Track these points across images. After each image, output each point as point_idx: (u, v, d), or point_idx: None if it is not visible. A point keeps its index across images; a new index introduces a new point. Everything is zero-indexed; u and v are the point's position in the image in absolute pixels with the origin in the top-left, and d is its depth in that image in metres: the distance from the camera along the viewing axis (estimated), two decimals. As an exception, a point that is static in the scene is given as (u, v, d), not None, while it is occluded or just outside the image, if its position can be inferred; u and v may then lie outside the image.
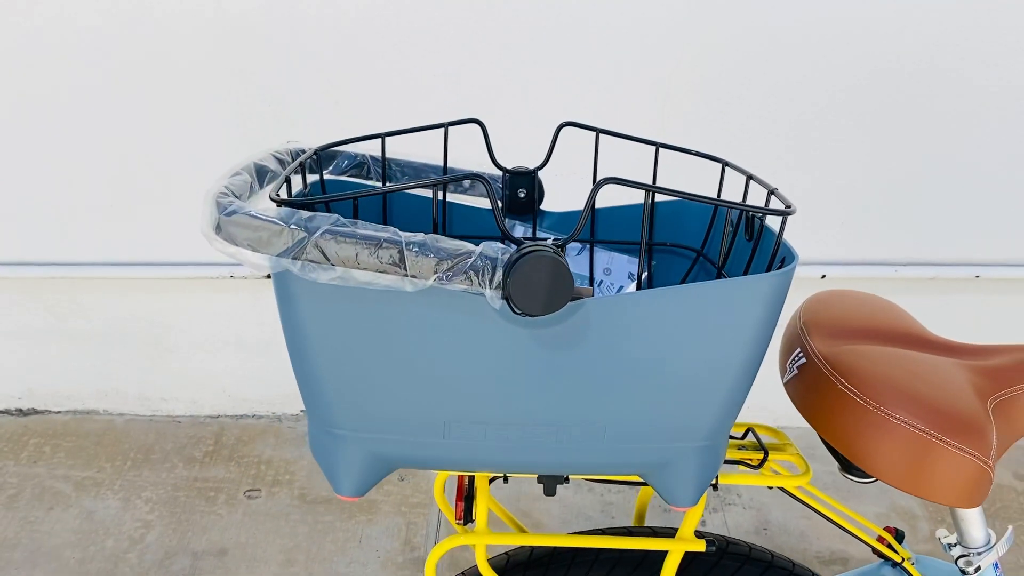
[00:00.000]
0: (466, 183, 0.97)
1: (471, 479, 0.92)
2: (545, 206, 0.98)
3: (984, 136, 1.83)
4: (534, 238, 0.97)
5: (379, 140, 0.92)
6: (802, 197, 1.89)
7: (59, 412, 2.22)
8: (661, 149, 0.92)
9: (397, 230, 0.65)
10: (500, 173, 0.96)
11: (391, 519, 1.90)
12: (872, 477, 0.83)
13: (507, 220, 0.98)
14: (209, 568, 1.78)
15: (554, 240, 0.67)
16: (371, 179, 0.96)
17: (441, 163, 0.96)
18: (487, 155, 0.94)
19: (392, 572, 1.75)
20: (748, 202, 0.78)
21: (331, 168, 0.95)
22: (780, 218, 0.74)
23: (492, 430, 0.74)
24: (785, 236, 0.76)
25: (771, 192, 0.79)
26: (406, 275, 0.64)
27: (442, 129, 0.93)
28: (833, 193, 1.90)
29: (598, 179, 0.73)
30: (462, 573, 0.98)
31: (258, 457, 2.08)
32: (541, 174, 0.96)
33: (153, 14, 1.77)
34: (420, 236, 0.65)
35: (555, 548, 0.96)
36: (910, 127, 1.83)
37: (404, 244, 0.64)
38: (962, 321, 2.00)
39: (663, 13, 1.73)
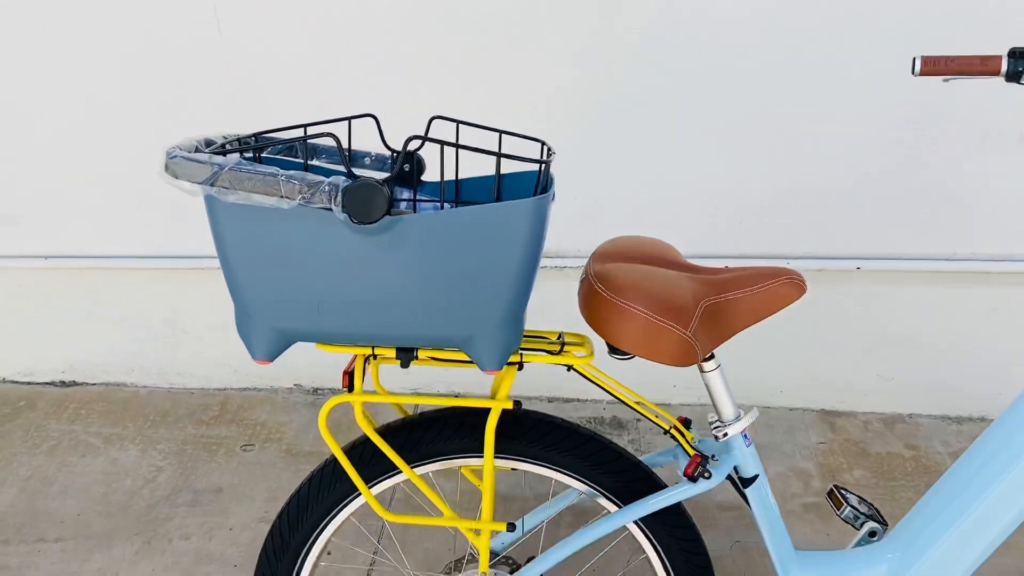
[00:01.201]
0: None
1: (354, 370, 1.25)
2: (426, 178, 1.32)
3: (858, 147, 2.15)
4: (414, 199, 1.31)
5: (301, 130, 1.29)
6: (705, 201, 2.22)
7: (94, 384, 2.62)
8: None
9: (278, 169, 1.01)
10: (390, 153, 1.31)
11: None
12: (627, 354, 1.16)
13: (396, 188, 1.33)
14: (207, 501, 2.14)
15: (384, 179, 1.03)
16: (297, 157, 1.32)
17: (346, 146, 1.32)
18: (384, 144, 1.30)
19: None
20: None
21: (271, 149, 1.31)
22: (543, 165, 1.08)
23: (350, 310, 1.08)
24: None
25: (546, 148, 1.14)
26: (282, 196, 1.00)
27: (347, 121, 1.29)
28: (733, 197, 2.22)
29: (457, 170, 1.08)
30: (354, 442, 1.30)
31: (255, 420, 2.44)
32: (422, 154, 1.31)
33: (151, 34, 2.18)
34: (292, 172, 1.01)
35: (422, 416, 1.27)
36: (796, 142, 2.15)
37: (280, 176, 1.00)
38: (846, 307, 2.30)
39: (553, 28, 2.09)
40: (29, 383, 2.62)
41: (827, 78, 2.07)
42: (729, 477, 1.26)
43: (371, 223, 1.00)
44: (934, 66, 1.34)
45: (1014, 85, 1.86)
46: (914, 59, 1.34)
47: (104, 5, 2.13)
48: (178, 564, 1.95)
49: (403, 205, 1.25)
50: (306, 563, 1.31)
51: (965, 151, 2.12)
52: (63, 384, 2.62)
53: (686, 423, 1.29)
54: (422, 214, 1.04)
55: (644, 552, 1.30)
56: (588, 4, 2.05)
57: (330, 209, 1.00)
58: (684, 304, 1.11)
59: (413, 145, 1.16)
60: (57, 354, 2.59)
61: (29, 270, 2.47)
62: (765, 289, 1.16)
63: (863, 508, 1.41)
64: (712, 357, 1.21)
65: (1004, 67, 1.28)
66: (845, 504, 1.44)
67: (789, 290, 1.17)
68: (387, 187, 1.01)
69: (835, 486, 1.49)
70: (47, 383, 2.62)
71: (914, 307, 2.30)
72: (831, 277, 2.26)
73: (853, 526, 1.40)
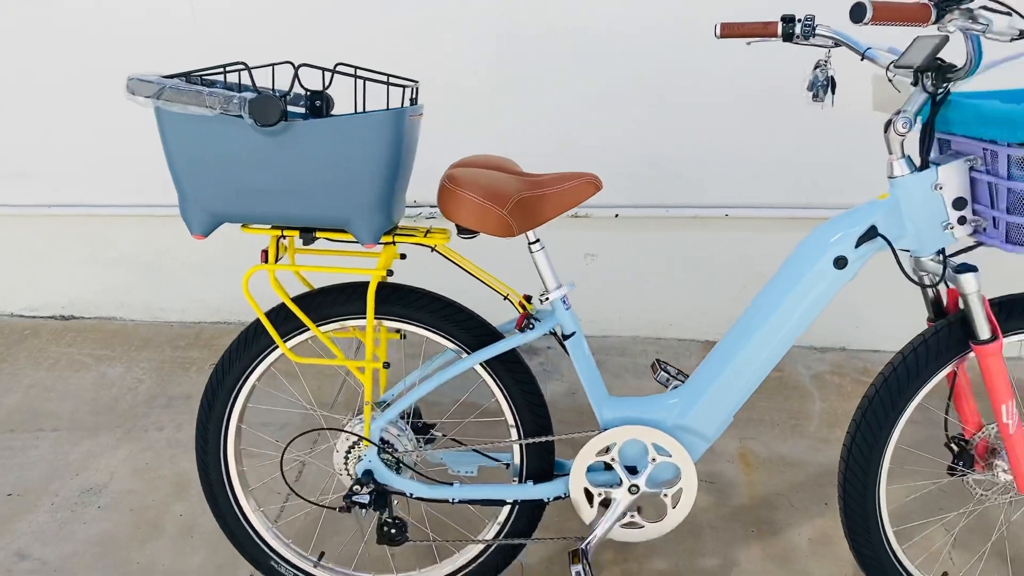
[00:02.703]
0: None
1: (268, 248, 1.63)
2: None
3: (723, 111, 2.53)
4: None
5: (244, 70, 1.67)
6: (600, 156, 2.61)
7: (89, 318, 3.01)
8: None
9: (211, 88, 1.39)
10: (304, 91, 1.70)
11: (310, 382, 2.63)
12: (470, 233, 1.53)
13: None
14: (178, 404, 2.52)
15: (280, 95, 1.41)
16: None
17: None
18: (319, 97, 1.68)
19: (305, 416, 2.46)
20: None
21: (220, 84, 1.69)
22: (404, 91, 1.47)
23: (261, 196, 1.46)
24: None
25: (413, 84, 1.52)
26: (207, 107, 1.39)
27: (271, 67, 1.67)
28: (623, 154, 2.61)
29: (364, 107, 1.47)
30: (271, 308, 1.68)
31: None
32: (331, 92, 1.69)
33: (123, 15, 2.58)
34: (214, 89, 1.39)
35: (324, 288, 1.64)
36: (673, 109, 2.54)
37: (205, 92, 1.39)
38: (715, 251, 2.68)
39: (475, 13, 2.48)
40: (33, 316, 3.01)
41: (694, 49, 2.46)
42: (554, 334, 1.64)
43: (270, 126, 1.39)
44: (731, 30, 1.71)
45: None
46: (715, 25, 1.70)
47: (98, -9, 2.54)
48: (151, 448, 2.33)
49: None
50: (236, 402, 1.69)
51: (815, 115, 2.50)
52: (63, 318, 3.01)
53: (528, 299, 1.68)
54: (307, 121, 1.43)
55: (494, 394, 1.68)
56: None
57: (241, 116, 1.39)
58: (504, 193, 1.49)
59: (311, 77, 1.55)
60: (58, 292, 2.98)
61: (35, 217, 2.87)
62: (568, 186, 1.54)
63: (673, 372, 1.80)
64: (537, 241, 1.59)
65: (779, 30, 1.65)
66: (660, 371, 1.83)
67: (587, 188, 1.55)
68: (282, 101, 1.40)
69: (657, 360, 1.87)
70: (49, 316, 3.01)
71: (778, 249, 2.68)
72: (706, 224, 2.64)
73: (664, 386, 1.78)
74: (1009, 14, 1.26)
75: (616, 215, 2.64)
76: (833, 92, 1.66)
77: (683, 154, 2.59)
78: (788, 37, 1.63)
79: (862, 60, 1.59)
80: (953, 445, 1.72)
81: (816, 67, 1.66)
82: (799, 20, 1.63)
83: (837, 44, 1.62)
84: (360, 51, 2.53)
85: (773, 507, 2.12)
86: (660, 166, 2.61)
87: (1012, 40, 1.28)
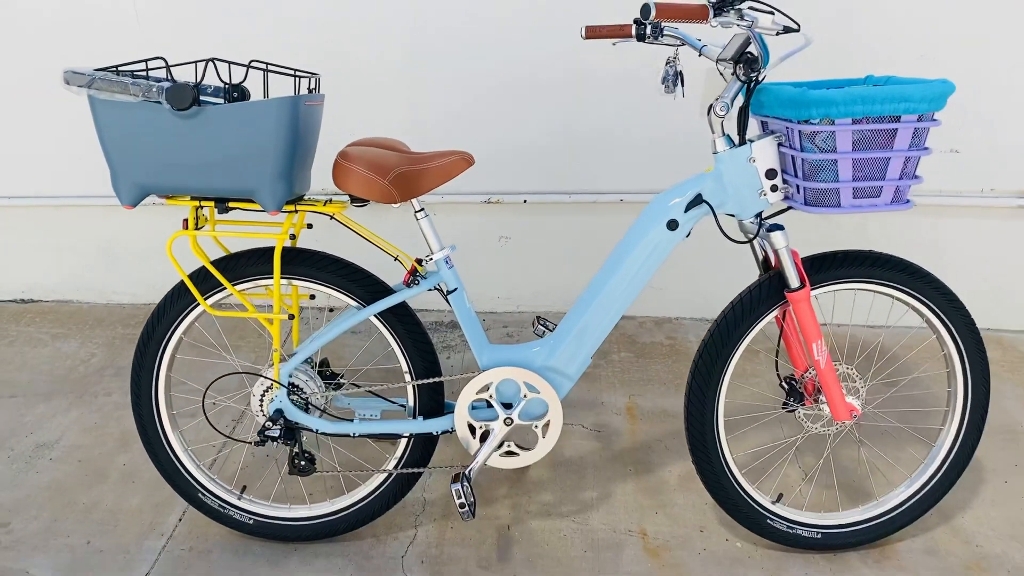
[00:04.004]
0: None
1: (198, 221, 1.86)
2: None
3: (617, 108, 2.80)
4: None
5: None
6: (513, 148, 2.87)
7: (47, 301, 3.21)
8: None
9: (134, 78, 1.63)
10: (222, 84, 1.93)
11: (252, 355, 2.85)
12: (360, 201, 1.78)
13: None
14: (126, 374, 2.74)
15: (193, 85, 1.65)
16: (212, 95, 1.93)
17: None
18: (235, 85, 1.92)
19: (239, 379, 2.68)
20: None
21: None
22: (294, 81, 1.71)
23: (180, 171, 1.70)
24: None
25: (313, 78, 1.77)
26: (131, 94, 1.63)
27: (194, 64, 1.91)
28: (531, 146, 2.87)
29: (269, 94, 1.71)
30: (193, 270, 1.91)
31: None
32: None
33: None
34: (138, 80, 1.63)
35: (239, 252, 1.88)
36: (573, 104, 2.80)
37: (129, 82, 1.63)
38: (613, 233, 2.94)
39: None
40: (-6, 301, 3.22)
41: (592, 50, 2.73)
42: (439, 289, 1.89)
43: (184, 110, 1.63)
44: (594, 32, 1.95)
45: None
46: (581, 28, 1.95)
47: None
48: (100, 410, 2.55)
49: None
50: (165, 352, 1.92)
51: (691, 113, 2.78)
52: (22, 301, 3.22)
53: (420, 261, 1.92)
54: (215, 106, 1.67)
55: (390, 343, 1.92)
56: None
57: (160, 102, 1.63)
58: (386, 166, 1.74)
59: (222, 68, 1.79)
60: (16, 278, 3.18)
61: (-7, 208, 3.08)
62: (443, 162, 1.79)
63: (549, 326, 2.05)
64: (422, 210, 1.84)
65: (634, 32, 1.90)
66: (538, 325, 2.09)
67: (459, 164, 1.80)
68: (195, 90, 1.64)
69: (537, 317, 2.13)
70: (9, 300, 3.21)
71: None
72: (604, 208, 2.91)
73: (540, 336, 2.04)
74: (772, 13, 1.53)
75: (525, 201, 2.90)
76: (682, 84, 1.91)
77: (583, 145, 2.85)
78: (641, 37, 1.86)
79: (699, 56, 1.85)
80: (784, 384, 1.99)
81: (667, 63, 1.91)
82: (649, 23, 1.87)
83: (683, 43, 1.87)
84: (287, 47, 2.77)
85: (650, 450, 2.38)
86: (563, 156, 2.87)
87: (778, 34, 1.55)
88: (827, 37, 2.61)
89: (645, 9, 1.52)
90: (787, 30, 1.55)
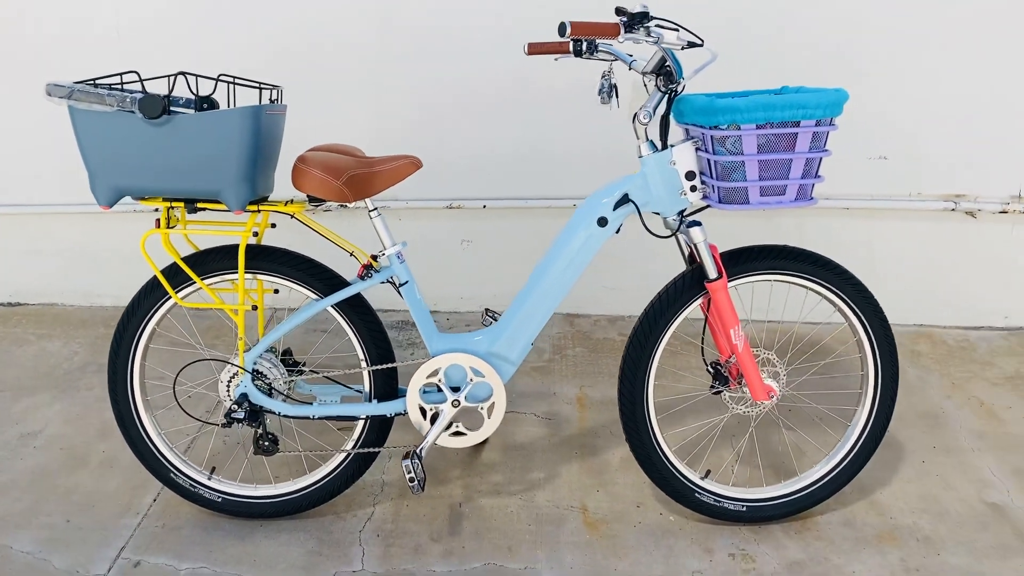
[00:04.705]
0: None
1: (169, 220, 2.02)
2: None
3: (572, 117, 2.97)
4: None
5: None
6: (472, 157, 3.03)
7: (34, 304, 3.35)
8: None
9: (110, 90, 1.79)
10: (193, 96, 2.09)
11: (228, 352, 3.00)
12: (317, 200, 1.94)
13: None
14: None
15: (163, 96, 1.81)
16: (183, 106, 2.09)
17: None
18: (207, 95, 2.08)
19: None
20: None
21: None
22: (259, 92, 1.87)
23: (152, 173, 1.85)
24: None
25: (276, 90, 1.93)
26: (107, 105, 1.79)
27: (168, 77, 2.07)
28: (489, 153, 3.03)
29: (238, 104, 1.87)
30: (166, 266, 2.06)
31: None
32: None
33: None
34: (113, 91, 1.79)
35: (208, 249, 2.03)
36: (528, 112, 2.98)
37: (105, 93, 1.79)
38: (548, 235, 3.10)
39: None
40: (-17, 304, 3.36)
41: (542, 68, 2.91)
42: (391, 282, 2.04)
43: (154, 118, 1.79)
44: (536, 49, 2.11)
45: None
46: (524, 45, 2.10)
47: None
48: (82, 403, 2.69)
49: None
50: (139, 342, 2.07)
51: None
52: (9, 305, 3.36)
53: (375, 257, 2.08)
54: (183, 115, 1.83)
55: (346, 332, 2.08)
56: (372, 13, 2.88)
57: (133, 111, 1.79)
58: (340, 169, 1.89)
59: (192, 80, 1.95)
60: (4, 282, 3.33)
61: (-18, 216, 3.22)
62: (393, 165, 1.95)
63: (496, 317, 2.22)
64: (375, 209, 2.00)
65: (571, 48, 2.06)
66: (487, 316, 2.25)
67: (408, 167, 1.96)
68: (165, 100, 1.80)
69: (486, 309, 2.30)
70: (-3, 304, 3.36)
71: (623, 233, 3.13)
72: (560, 213, 3.08)
73: (486, 326, 2.20)
74: (676, 29, 1.71)
75: (484, 206, 3.07)
76: (617, 96, 2.08)
77: (539, 154, 3.02)
78: (579, 53, 2.01)
79: (629, 69, 2.02)
80: (711, 368, 2.16)
81: (603, 77, 2.07)
82: (584, 39, 2.02)
83: (616, 58, 2.04)
84: (258, 63, 2.94)
85: (596, 436, 2.54)
86: (520, 164, 3.04)
87: (683, 48, 1.73)
88: (756, 49, 2.81)
89: (562, 27, 1.69)
90: (691, 45, 1.72)
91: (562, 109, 2.96)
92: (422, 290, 2.06)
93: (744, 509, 2.14)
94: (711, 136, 1.83)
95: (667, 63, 1.86)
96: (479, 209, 3.08)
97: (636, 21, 1.70)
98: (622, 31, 1.71)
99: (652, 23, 1.72)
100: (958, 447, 2.49)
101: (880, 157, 2.97)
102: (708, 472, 2.19)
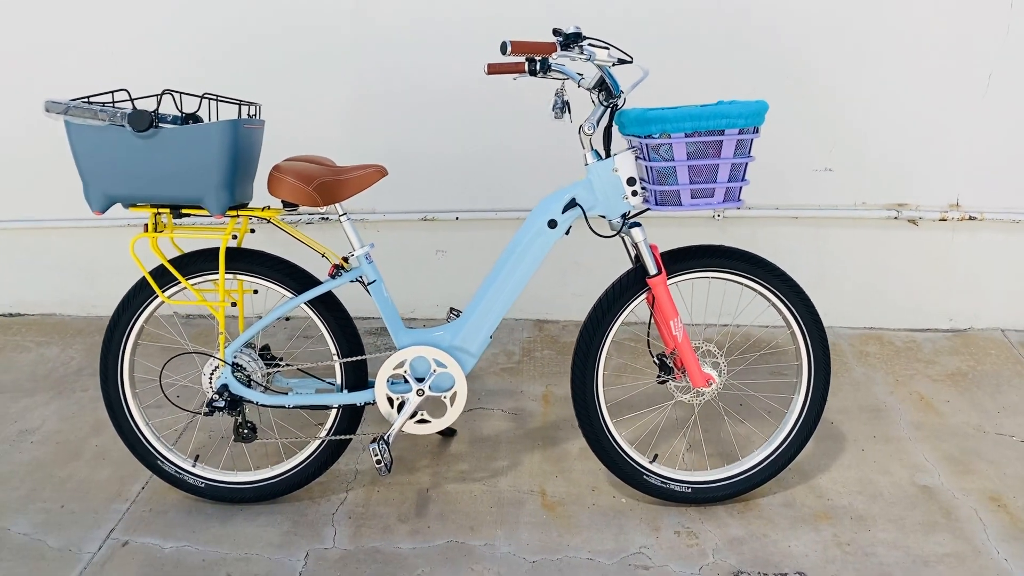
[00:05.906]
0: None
1: (157, 226, 2.18)
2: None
3: (529, 132, 3.15)
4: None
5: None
6: (446, 171, 3.21)
7: (32, 314, 3.52)
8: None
9: (103, 106, 1.97)
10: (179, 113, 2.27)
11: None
12: (291, 205, 2.11)
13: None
14: (102, 373, 3.04)
15: (151, 111, 1.99)
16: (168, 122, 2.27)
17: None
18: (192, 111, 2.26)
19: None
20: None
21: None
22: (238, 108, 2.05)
23: (141, 182, 2.02)
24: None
25: (254, 107, 2.11)
26: (99, 119, 1.97)
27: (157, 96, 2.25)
28: (462, 170, 3.22)
29: (220, 119, 2.05)
30: (153, 268, 2.23)
31: (147, 332, 3.36)
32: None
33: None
34: (105, 106, 1.97)
35: (192, 252, 2.20)
36: (500, 131, 3.16)
37: (98, 109, 1.97)
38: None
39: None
40: (-15, 315, 3.52)
41: (510, 87, 3.09)
42: (360, 281, 2.21)
43: (142, 132, 1.97)
44: (495, 68, 2.28)
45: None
46: (485, 64, 2.27)
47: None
48: (77, 403, 2.84)
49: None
50: (129, 338, 2.23)
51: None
52: (10, 315, 3.52)
53: (346, 259, 2.25)
54: (169, 128, 2.01)
55: (319, 328, 2.24)
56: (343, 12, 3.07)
57: (123, 125, 1.97)
58: (311, 176, 2.06)
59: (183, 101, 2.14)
60: (5, 293, 3.49)
61: (-15, 231, 3.39)
62: (360, 173, 2.12)
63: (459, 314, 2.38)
64: (344, 214, 2.17)
65: (527, 67, 2.23)
66: (451, 314, 2.41)
67: (374, 175, 2.13)
68: (153, 115, 1.98)
69: (452, 308, 2.46)
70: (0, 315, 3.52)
71: (590, 242, 3.30)
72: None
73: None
74: (607, 48, 1.89)
75: (457, 218, 3.24)
76: (569, 112, 2.24)
77: (508, 167, 3.20)
78: (533, 73, 2.19)
79: (578, 87, 2.19)
80: (656, 360, 2.32)
81: (556, 94, 2.24)
82: (538, 60, 2.19)
83: (567, 77, 2.21)
84: (242, 82, 3.13)
85: (559, 429, 2.69)
86: (491, 178, 3.22)
87: (614, 65, 1.91)
88: (712, 64, 3.00)
89: (503, 46, 1.88)
90: (621, 62, 1.91)
91: (530, 125, 3.13)
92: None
93: (690, 490, 2.29)
94: (647, 144, 2.01)
95: (606, 81, 2.04)
96: (452, 221, 3.25)
97: (571, 40, 1.88)
98: (558, 49, 1.89)
99: (585, 42, 1.90)
100: (897, 436, 2.64)
101: (826, 169, 3.15)
102: (656, 456, 2.34)
